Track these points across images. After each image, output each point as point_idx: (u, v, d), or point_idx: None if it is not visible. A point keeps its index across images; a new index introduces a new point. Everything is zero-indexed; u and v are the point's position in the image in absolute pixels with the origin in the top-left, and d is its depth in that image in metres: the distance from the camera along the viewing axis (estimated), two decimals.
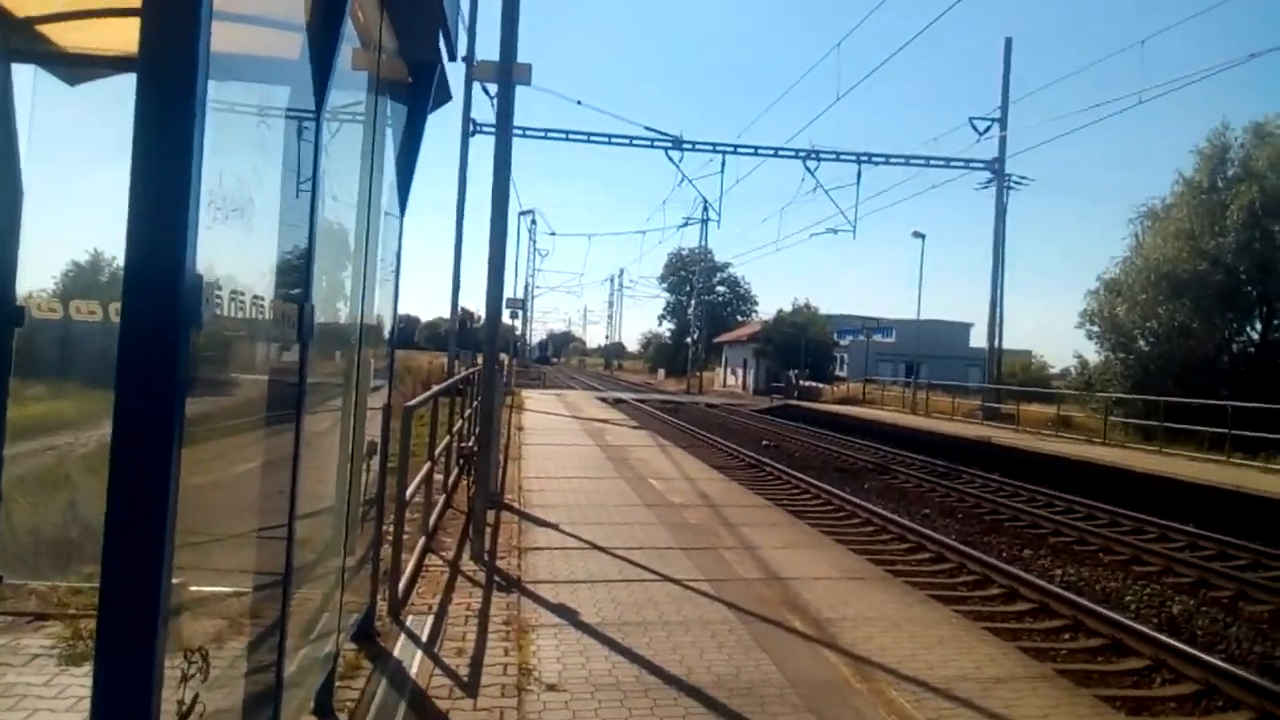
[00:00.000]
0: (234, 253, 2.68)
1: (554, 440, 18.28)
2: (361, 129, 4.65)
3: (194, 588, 2.70)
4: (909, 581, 8.58)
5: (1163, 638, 7.68)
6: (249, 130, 2.94)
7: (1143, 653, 7.49)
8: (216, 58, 2.17)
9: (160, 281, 2.04)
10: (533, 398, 34.33)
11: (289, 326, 3.20)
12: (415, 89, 5.85)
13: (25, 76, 5.37)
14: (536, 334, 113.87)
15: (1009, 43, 35.41)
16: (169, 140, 2.06)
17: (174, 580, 2.23)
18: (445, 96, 6.46)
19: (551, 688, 4.84)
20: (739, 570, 7.68)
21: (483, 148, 46.11)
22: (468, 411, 12.63)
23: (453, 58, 6.11)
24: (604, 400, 38.16)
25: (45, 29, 5.18)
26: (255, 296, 2.79)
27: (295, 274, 3.31)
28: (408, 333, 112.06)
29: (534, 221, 56.77)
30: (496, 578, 7.10)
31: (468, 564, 7.52)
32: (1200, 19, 25.59)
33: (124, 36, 5.20)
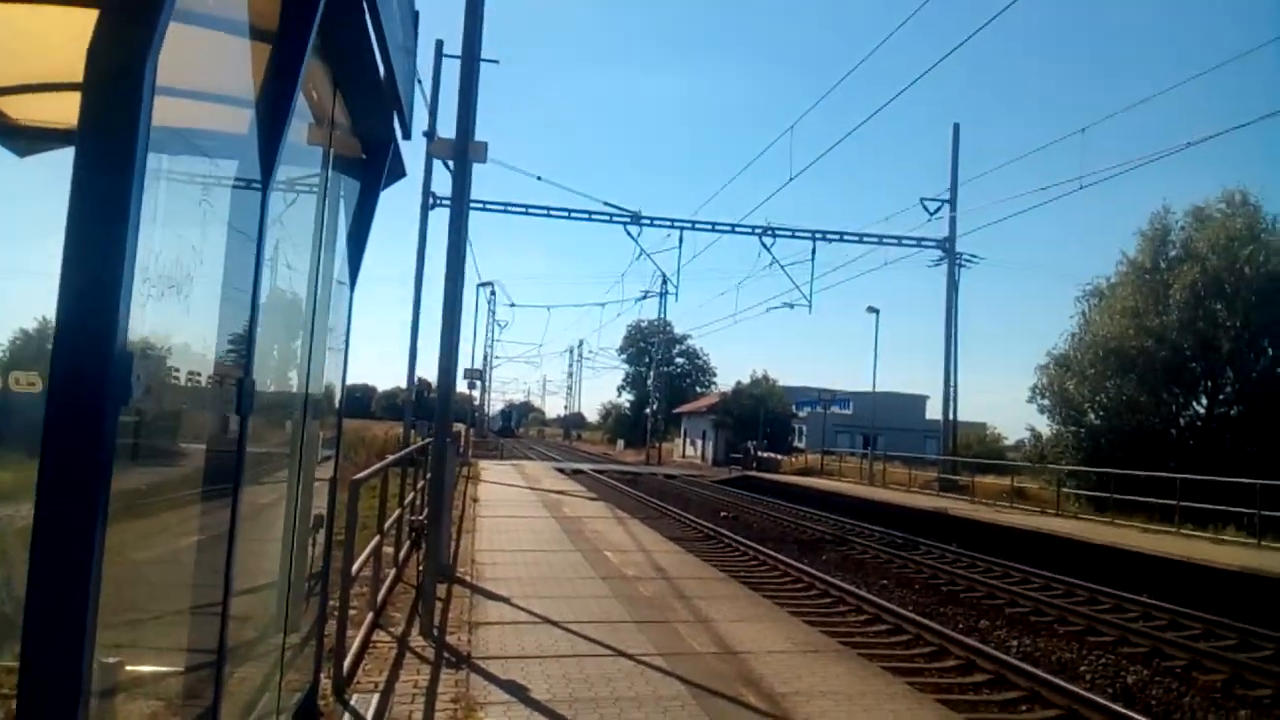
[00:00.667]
0: (172, 326, 2.66)
1: (510, 512, 18.08)
2: (314, 201, 4.68)
3: (128, 668, 2.62)
4: (864, 654, 8.53)
5: (1118, 708, 7.70)
6: (192, 203, 2.95)
7: None
8: (160, 130, 2.19)
9: (89, 356, 2.02)
10: (489, 469, 33.99)
11: (228, 400, 3.17)
12: (369, 165, 5.91)
13: None
14: (495, 404, 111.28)
15: (956, 128, 36.60)
16: (104, 213, 2.07)
17: (106, 660, 2.18)
18: (399, 173, 6.52)
19: None
20: (693, 644, 7.59)
21: (443, 219, 46.44)
22: (420, 484, 12.46)
23: (406, 136, 6.18)
24: (562, 471, 37.90)
25: None
26: (191, 371, 2.77)
27: (237, 347, 3.29)
28: (363, 402, 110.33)
29: (493, 293, 57.14)
30: (446, 654, 6.95)
31: (417, 640, 7.36)
32: (1139, 109, 26.67)
33: (71, 109, 5.22)
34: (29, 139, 5.57)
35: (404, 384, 34.28)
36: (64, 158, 5.65)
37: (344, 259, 5.67)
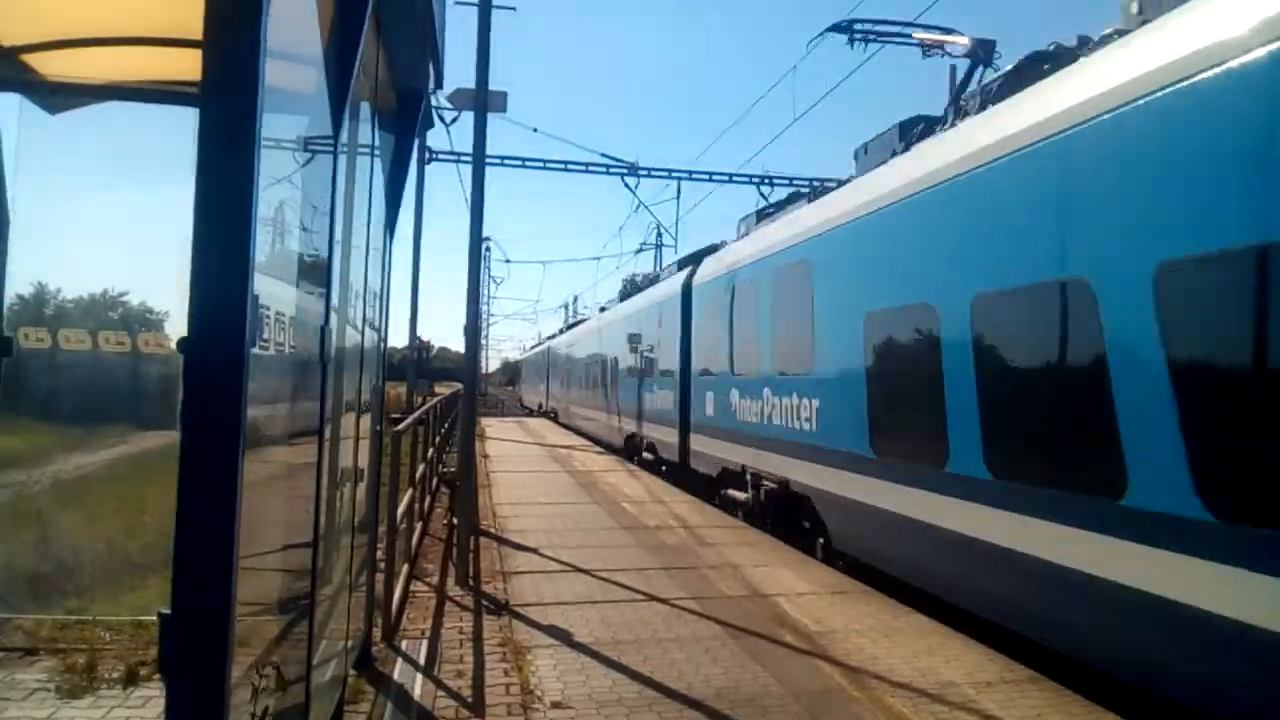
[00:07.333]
0: (268, 277, 2.73)
1: (522, 467, 18.24)
2: (360, 158, 4.72)
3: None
4: (891, 594, 8.70)
5: None
6: (276, 161, 3.00)
7: None
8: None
9: (226, 307, 2.11)
10: (493, 425, 34.19)
11: (312, 349, 3.25)
12: (403, 115, 5.94)
13: (10, 104, 5.44)
14: (492, 363, 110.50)
15: (953, 69, 36.21)
16: (233, 171, 2.15)
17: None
18: (429, 123, 6.56)
19: (557, 705, 4.89)
20: (723, 588, 7.76)
21: (434, 175, 45.84)
22: (435, 439, 12.61)
23: (439, 85, 6.21)
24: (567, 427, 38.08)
25: (29, 58, 5.20)
26: (292, 317, 2.85)
27: (315, 299, 3.36)
28: None
29: (489, 250, 56.67)
30: (484, 601, 7.11)
31: (454, 589, 7.52)
32: None
33: (104, 64, 5.25)
34: (58, 94, 5.61)
35: (398, 343, 34.18)
36: (92, 114, 5.67)
37: (381, 213, 5.71)
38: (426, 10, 4.98)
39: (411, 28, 4.92)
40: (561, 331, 47.88)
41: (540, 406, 50.20)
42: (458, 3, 10.42)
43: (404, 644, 5.93)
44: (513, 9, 16.40)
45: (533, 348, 67.49)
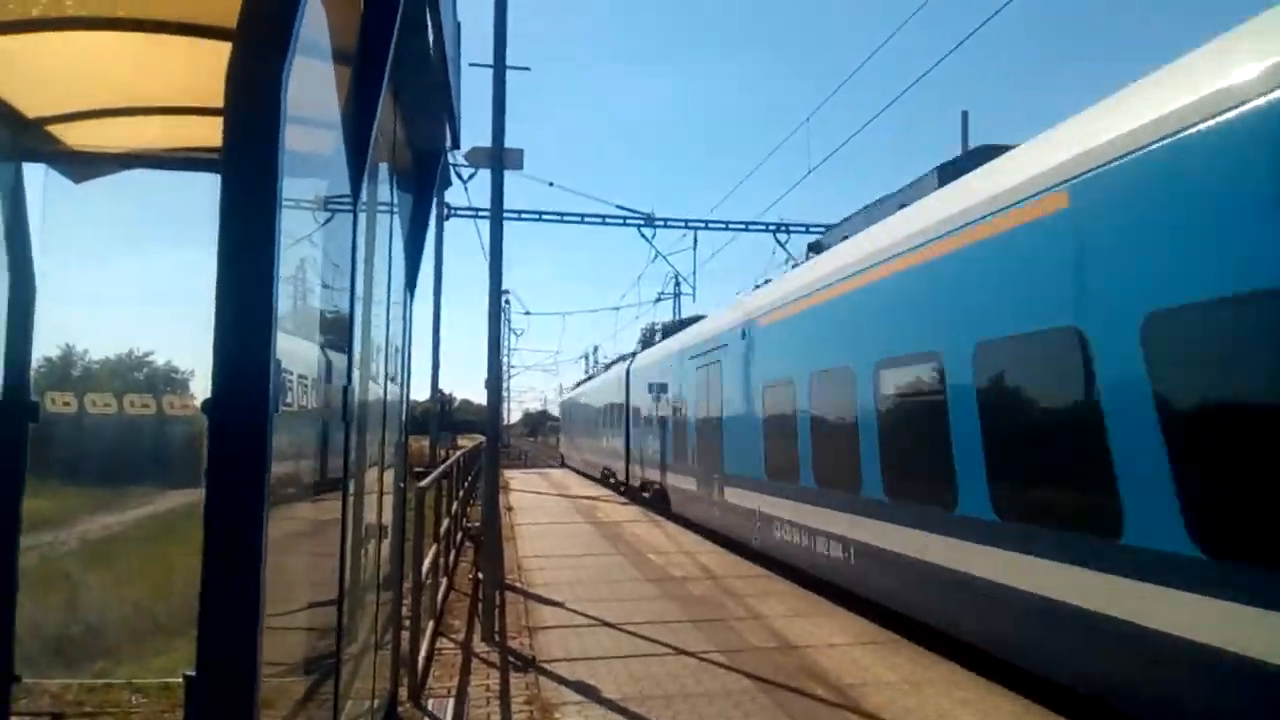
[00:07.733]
0: (291, 336, 2.76)
1: (546, 519, 18.15)
2: (379, 217, 4.79)
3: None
4: (921, 644, 8.54)
5: None
6: (296, 224, 3.05)
7: None
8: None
9: (248, 372, 2.13)
10: (516, 477, 34.15)
11: (334, 407, 3.27)
12: (421, 175, 6.03)
13: (36, 174, 5.56)
14: (514, 414, 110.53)
15: (965, 116, 36.34)
16: (254, 237, 2.17)
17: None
18: (446, 181, 6.65)
19: None
20: (751, 640, 7.65)
21: (452, 223, 46.32)
22: (459, 493, 12.59)
23: (456, 145, 6.30)
24: (588, 476, 37.96)
25: (54, 128, 5.34)
26: (314, 378, 2.87)
27: (337, 357, 3.39)
28: None
29: (508, 302, 57.21)
30: (511, 658, 7.04)
31: (479, 645, 7.46)
32: None
33: (127, 133, 5.37)
34: (81, 164, 5.75)
35: (422, 395, 34.42)
36: (114, 182, 5.79)
37: (401, 271, 5.78)
38: (442, 77, 5.08)
39: (427, 94, 5.01)
40: (662, 333, 26.60)
41: (609, 475, 31.56)
42: (474, 65, 10.62)
43: (430, 703, 5.87)
44: (527, 69, 16.70)
45: (582, 382, 48.92)
